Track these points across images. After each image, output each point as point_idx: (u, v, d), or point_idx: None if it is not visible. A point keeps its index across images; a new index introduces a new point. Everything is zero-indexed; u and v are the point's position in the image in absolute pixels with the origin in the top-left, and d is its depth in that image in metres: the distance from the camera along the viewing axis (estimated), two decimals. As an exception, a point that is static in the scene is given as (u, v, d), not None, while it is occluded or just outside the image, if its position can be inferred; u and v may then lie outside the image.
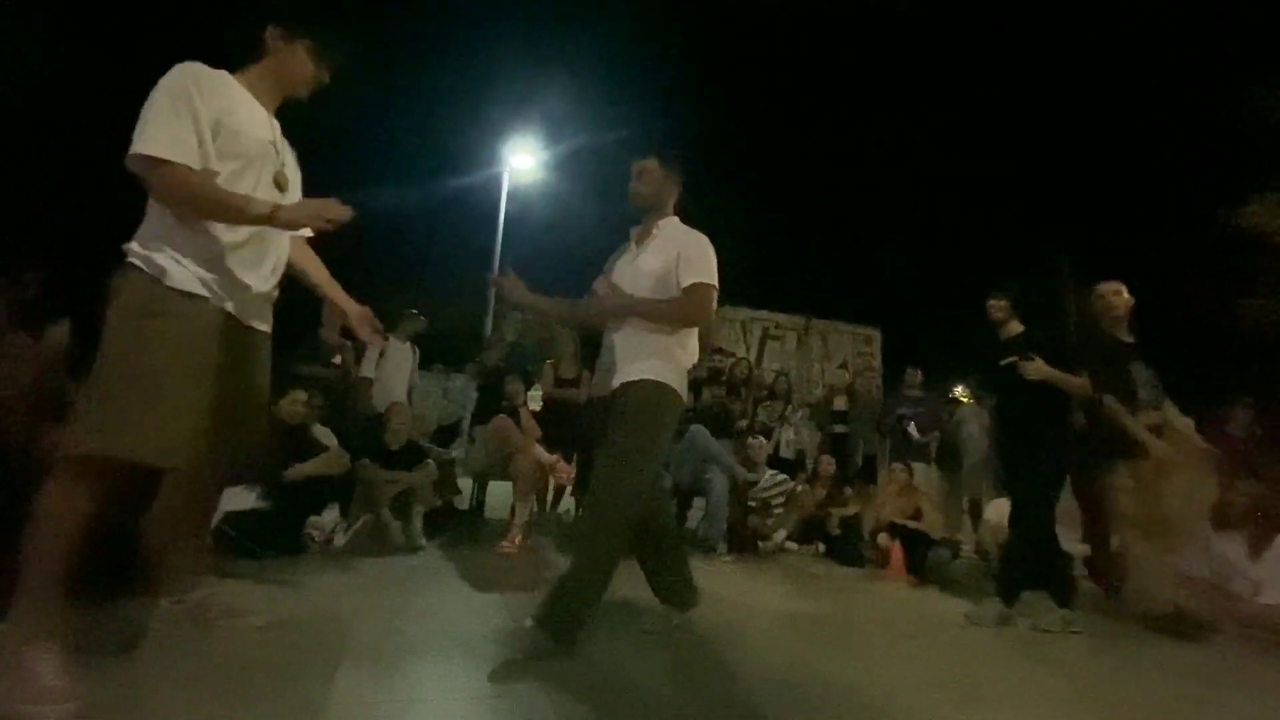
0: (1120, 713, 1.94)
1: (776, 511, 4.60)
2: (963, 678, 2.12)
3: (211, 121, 1.57)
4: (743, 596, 3.05)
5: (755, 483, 4.57)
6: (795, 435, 5.88)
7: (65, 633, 1.42)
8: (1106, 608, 3.24)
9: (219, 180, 1.58)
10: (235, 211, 1.57)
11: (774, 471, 4.74)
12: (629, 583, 3.13)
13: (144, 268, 1.55)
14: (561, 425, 4.52)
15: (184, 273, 1.58)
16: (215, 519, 3.01)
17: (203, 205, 1.56)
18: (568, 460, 4.35)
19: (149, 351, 1.49)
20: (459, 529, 4.13)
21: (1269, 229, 10.81)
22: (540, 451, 4.10)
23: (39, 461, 2.29)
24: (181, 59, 1.59)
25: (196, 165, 1.53)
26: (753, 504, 4.55)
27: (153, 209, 1.60)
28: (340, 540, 3.38)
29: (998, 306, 3.26)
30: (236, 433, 1.75)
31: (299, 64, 1.77)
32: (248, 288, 1.71)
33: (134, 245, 1.58)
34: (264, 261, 1.76)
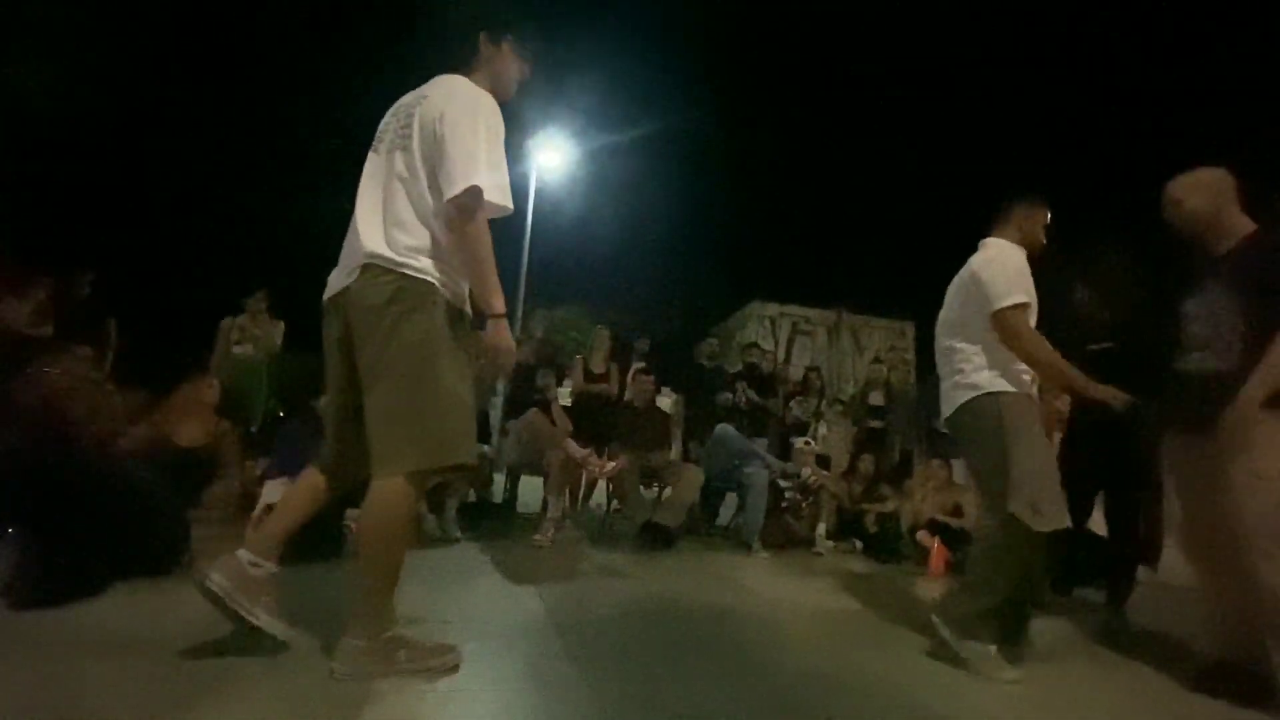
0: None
1: (807, 511, 4.54)
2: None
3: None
4: (782, 593, 3.01)
5: (796, 478, 4.51)
6: (827, 431, 5.80)
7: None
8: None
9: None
10: (490, 291, 1.64)
11: (814, 469, 4.66)
12: (669, 578, 3.13)
13: (443, 290, 1.64)
14: (593, 420, 4.52)
15: (464, 302, 1.72)
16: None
17: (480, 262, 1.62)
18: (599, 455, 4.34)
19: (458, 373, 1.63)
20: (493, 522, 4.17)
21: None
22: (572, 446, 4.11)
23: (89, 454, 2.37)
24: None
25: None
26: (787, 504, 4.50)
27: (432, 226, 1.64)
28: (378, 533, 3.42)
29: (1084, 301, 3.20)
30: None
31: (508, 65, 1.82)
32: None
33: (429, 265, 1.62)
34: None
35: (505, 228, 1.94)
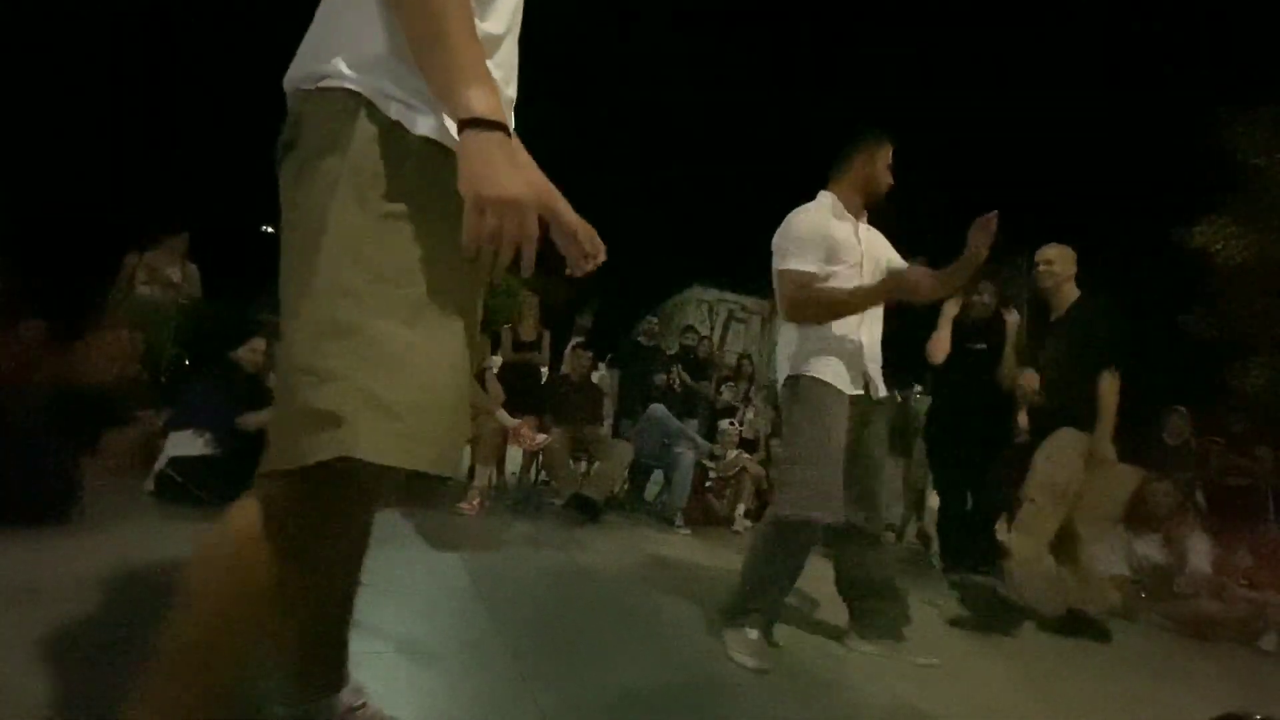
0: (1064, 708, 2.04)
1: (728, 491, 4.70)
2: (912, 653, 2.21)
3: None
4: (700, 568, 3.12)
5: (722, 459, 4.65)
6: (754, 416, 5.98)
7: None
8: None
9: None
10: (456, 76, 0.72)
11: (738, 451, 4.81)
12: (593, 549, 3.17)
13: (375, 100, 0.79)
14: (524, 389, 4.48)
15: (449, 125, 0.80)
16: (160, 464, 2.91)
17: (415, 21, 0.72)
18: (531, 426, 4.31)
19: (401, 244, 0.78)
20: (416, 488, 4.08)
21: (1212, 249, 11.46)
22: (504, 415, 4.07)
23: None
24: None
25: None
26: (710, 484, 4.64)
27: (377, 20, 0.80)
28: (293, 493, 3.29)
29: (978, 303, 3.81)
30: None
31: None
32: None
33: (341, 66, 0.79)
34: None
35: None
